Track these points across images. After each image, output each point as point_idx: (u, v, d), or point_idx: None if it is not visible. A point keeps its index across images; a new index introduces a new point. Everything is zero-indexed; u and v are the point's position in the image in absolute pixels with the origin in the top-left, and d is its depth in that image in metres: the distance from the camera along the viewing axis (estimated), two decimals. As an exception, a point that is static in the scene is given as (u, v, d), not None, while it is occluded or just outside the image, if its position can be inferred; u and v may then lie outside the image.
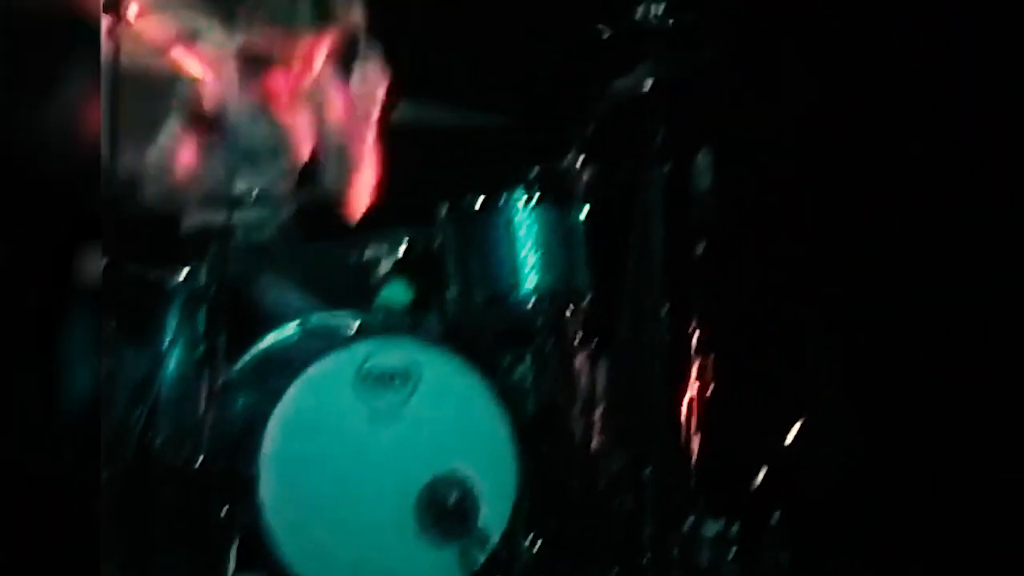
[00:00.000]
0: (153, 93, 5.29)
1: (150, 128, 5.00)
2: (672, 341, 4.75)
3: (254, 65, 5.07)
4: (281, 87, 5.13)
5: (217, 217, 4.53)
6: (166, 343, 4.54)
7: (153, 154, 4.94)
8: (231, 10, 5.08)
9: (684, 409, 4.72)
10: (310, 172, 5.18)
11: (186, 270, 4.61)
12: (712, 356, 4.71)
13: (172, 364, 4.53)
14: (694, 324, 4.71)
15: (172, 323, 4.56)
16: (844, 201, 5.56)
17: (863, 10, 5.47)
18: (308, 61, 5.14)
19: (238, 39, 5.04)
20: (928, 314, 5.41)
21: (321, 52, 5.14)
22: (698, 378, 4.70)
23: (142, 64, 5.49)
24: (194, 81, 4.97)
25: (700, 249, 4.74)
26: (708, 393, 4.71)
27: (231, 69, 5.04)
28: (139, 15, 4.37)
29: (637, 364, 4.90)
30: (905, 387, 5.38)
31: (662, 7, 4.75)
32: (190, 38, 4.97)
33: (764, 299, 5.60)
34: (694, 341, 4.72)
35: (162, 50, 4.89)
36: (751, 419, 5.22)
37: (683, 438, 4.71)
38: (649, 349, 4.82)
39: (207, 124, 4.71)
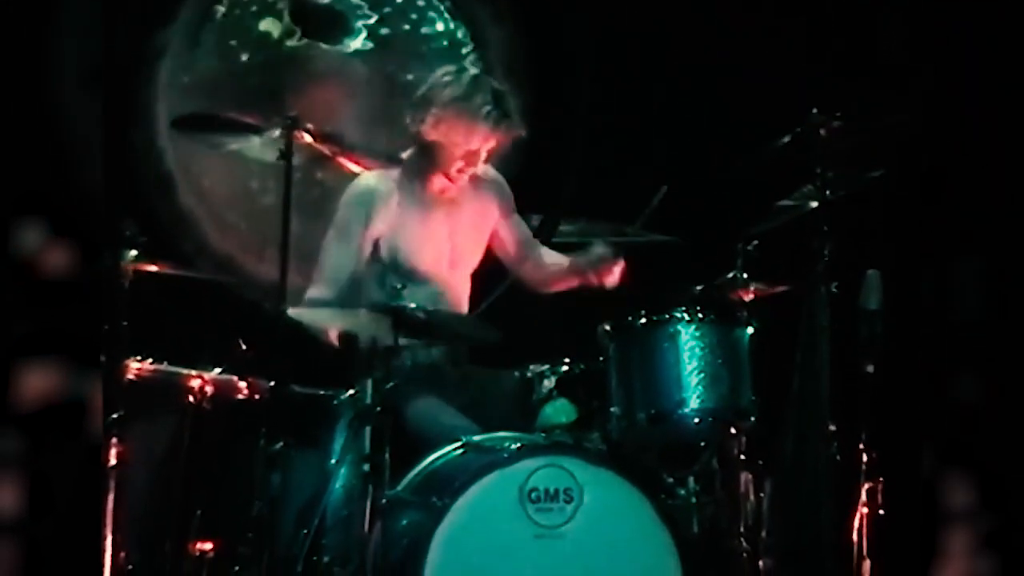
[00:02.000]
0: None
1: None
2: (840, 463, 4.65)
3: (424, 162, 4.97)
4: (444, 188, 5.01)
5: (384, 337, 4.55)
6: (332, 461, 4.59)
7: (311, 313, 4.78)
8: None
9: (854, 533, 4.62)
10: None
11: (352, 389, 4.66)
12: (881, 480, 4.61)
13: (339, 482, 4.56)
14: (862, 446, 4.62)
15: (339, 441, 4.61)
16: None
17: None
18: (473, 159, 4.97)
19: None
20: None
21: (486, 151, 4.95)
22: (867, 501, 4.61)
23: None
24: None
25: (869, 368, 4.66)
26: (877, 517, 4.60)
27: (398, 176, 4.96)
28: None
29: (803, 485, 4.82)
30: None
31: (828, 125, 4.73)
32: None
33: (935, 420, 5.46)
34: (863, 463, 4.63)
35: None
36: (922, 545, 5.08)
37: (853, 563, 4.61)
38: (815, 470, 4.73)
39: None
